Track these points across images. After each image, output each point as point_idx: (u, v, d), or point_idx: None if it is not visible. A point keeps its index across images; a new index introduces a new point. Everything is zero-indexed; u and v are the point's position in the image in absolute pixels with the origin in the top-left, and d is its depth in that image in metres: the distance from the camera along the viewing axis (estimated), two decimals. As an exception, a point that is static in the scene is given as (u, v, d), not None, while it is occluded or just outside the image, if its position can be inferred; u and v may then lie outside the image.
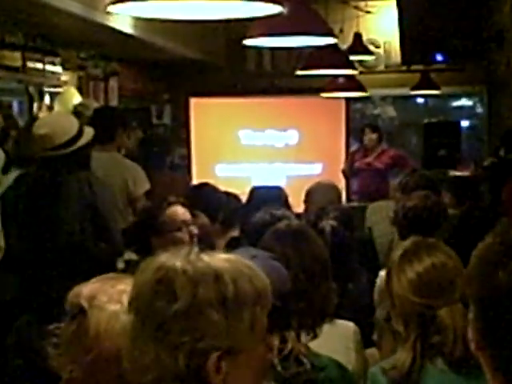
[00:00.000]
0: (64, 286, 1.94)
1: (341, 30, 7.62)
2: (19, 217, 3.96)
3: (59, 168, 3.92)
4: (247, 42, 3.46)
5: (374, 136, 8.28)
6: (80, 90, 6.82)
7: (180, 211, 3.37)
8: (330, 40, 3.44)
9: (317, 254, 2.40)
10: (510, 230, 1.30)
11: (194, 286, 1.41)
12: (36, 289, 3.68)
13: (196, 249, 1.50)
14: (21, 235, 3.95)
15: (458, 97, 10.57)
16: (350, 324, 2.75)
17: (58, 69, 6.46)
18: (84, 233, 3.92)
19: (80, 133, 3.99)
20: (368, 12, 8.93)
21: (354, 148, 8.78)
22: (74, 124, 4.01)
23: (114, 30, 5.81)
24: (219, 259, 1.48)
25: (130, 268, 3.07)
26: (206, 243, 3.35)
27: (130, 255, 3.56)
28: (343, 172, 8.51)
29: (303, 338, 2.14)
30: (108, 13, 5.57)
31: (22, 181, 4.11)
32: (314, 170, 8.80)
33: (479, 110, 10.32)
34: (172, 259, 1.46)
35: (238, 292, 1.43)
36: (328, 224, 3.39)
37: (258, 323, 1.45)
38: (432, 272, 2.14)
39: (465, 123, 10.32)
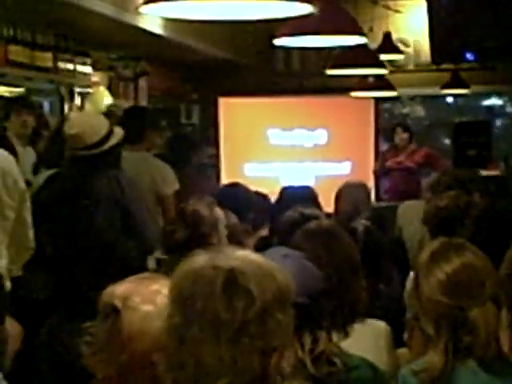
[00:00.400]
0: (95, 285, 1.96)
1: (370, 30, 7.59)
2: (51, 216, 3.99)
3: (89, 168, 3.95)
4: (276, 41, 3.46)
5: (405, 135, 8.26)
6: (110, 90, 6.87)
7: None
8: (360, 39, 3.43)
9: (348, 253, 2.40)
10: None
11: (264, 286, 1.41)
12: (68, 287, 3.71)
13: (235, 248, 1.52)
14: (53, 235, 3.99)
15: (488, 96, 10.49)
16: (382, 323, 2.74)
17: (89, 69, 6.50)
18: (114, 231, 3.94)
19: (110, 133, 4.02)
20: (397, 11, 8.88)
21: (384, 148, 8.77)
22: (104, 124, 4.04)
23: (143, 30, 5.84)
24: (259, 257, 1.49)
25: (162, 267, 3.09)
26: (235, 243, 3.36)
27: (159, 254, 3.58)
28: (374, 172, 8.49)
29: (334, 337, 2.14)
30: (138, 13, 5.61)
31: (54, 181, 4.15)
32: (342, 170, 8.77)
33: (509, 109, 10.24)
34: (228, 259, 1.44)
35: (287, 289, 1.45)
36: (360, 224, 3.38)
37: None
38: (461, 272, 2.12)
39: (496, 122, 10.24)
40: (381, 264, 3.39)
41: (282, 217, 3.47)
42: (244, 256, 1.47)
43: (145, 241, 4.00)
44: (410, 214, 5.10)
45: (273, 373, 1.40)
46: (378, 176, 8.54)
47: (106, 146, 3.94)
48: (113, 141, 3.99)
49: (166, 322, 1.46)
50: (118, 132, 4.09)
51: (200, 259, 1.46)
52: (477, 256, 2.18)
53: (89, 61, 6.50)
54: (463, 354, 2.07)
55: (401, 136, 8.26)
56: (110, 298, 1.84)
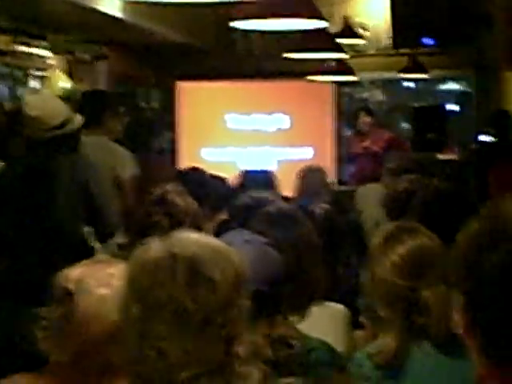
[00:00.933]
0: (52, 270, 1.93)
1: (330, 14, 7.59)
2: (12, 200, 3.93)
3: (52, 150, 3.89)
4: (235, 24, 3.44)
5: (369, 119, 8.30)
6: (69, 73, 6.78)
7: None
8: (320, 23, 3.42)
9: (307, 237, 2.39)
10: (499, 213, 1.29)
11: (224, 274, 1.38)
12: (24, 273, 3.67)
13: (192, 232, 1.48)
14: (14, 219, 3.92)
15: (446, 80, 10.57)
16: (340, 306, 2.76)
17: (46, 52, 6.41)
18: (76, 214, 3.91)
19: (70, 116, 3.98)
20: (357, -5, 8.91)
21: (345, 132, 8.80)
22: (63, 107, 4.00)
23: (102, 13, 5.77)
24: (216, 240, 1.47)
25: (124, 252, 3.06)
26: (195, 228, 3.34)
27: (120, 239, 3.55)
28: (339, 157, 8.54)
29: (292, 319, 2.14)
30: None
31: (14, 165, 4.08)
32: (305, 155, 8.79)
33: (467, 93, 10.33)
34: (184, 247, 1.39)
35: (244, 273, 1.43)
36: (319, 207, 3.39)
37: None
38: (414, 253, 2.14)
39: (453, 107, 10.32)
40: (340, 247, 3.41)
41: (236, 201, 3.45)
42: (201, 241, 1.43)
43: (107, 225, 3.96)
44: (369, 197, 5.13)
45: (234, 360, 1.39)
46: (341, 160, 8.59)
47: (68, 129, 3.89)
48: (74, 124, 3.95)
49: (122, 313, 1.41)
50: (78, 116, 4.05)
51: (157, 247, 1.41)
52: (430, 238, 2.19)
53: (46, 44, 6.41)
54: (417, 335, 2.08)
55: (364, 120, 8.30)
56: (64, 282, 1.82)
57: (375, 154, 8.05)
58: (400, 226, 2.25)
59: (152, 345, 1.36)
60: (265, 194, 3.40)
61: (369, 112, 8.44)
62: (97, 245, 3.84)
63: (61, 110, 3.94)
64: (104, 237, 3.93)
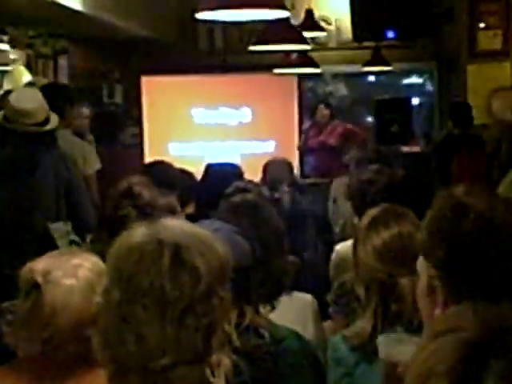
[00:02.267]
0: (18, 263, 1.91)
1: (292, 7, 7.60)
2: None
3: (37, 144, 3.87)
4: (199, 15, 3.41)
5: (327, 112, 8.33)
6: (29, 68, 6.70)
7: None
8: (283, 13, 3.41)
9: (273, 226, 2.39)
10: (454, 193, 1.54)
11: (208, 262, 1.37)
12: None
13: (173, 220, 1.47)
14: None
15: (408, 74, 10.65)
16: (308, 296, 2.76)
17: (6, 47, 6.33)
18: (60, 211, 3.89)
19: (49, 112, 3.98)
20: (319, -11, 8.92)
21: (306, 126, 8.82)
22: (44, 101, 3.99)
23: (62, 6, 5.70)
24: (203, 229, 1.45)
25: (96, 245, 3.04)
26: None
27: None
28: (298, 149, 8.55)
29: (261, 310, 2.14)
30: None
31: None
32: (267, 148, 8.80)
33: (429, 86, 10.41)
34: (168, 234, 1.37)
35: (227, 263, 1.43)
36: (286, 193, 3.39)
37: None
38: (397, 240, 2.14)
39: (415, 100, 10.40)
40: (306, 233, 3.42)
41: (217, 192, 3.41)
42: (186, 229, 1.43)
43: (85, 219, 3.95)
44: (339, 190, 5.16)
45: (215, 349, 1.38)
46: (301, 153, 8.61)
47: (53, 124, 3.88)
48: (54, 119, 3.94)
49: (102, 296, 1.40)
50: (53, 113, 4.04)
51: (141, 233, 1.40)
52: (416, 226, 2.19)
53: (6, 38, 6.33)
54: (390, 321, 2.09)
55: (322, 113, 8.34)
56: (31, 274, 1.80)
57: (331, 147, 8.09)
58: (388, 209, 2.23)
59: (132, 329, 1.35)
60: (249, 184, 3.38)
61: (327, 105, 8.49)
62: (77, 239, 3.81)
63: (45, 106, 3.93)
64: (82, 232, 3.91)
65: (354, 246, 2.21)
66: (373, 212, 2.23)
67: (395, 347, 1.75)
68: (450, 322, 0.91)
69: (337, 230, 4.72)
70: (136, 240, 1.39)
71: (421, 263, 1.56)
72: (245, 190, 3.09)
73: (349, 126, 8.50)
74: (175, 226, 1.43)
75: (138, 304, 1.35)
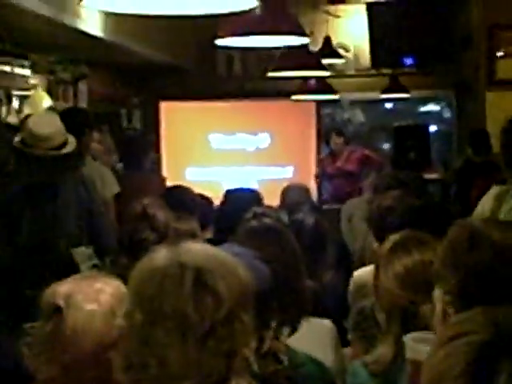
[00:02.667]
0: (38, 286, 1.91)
1: (311, 34, 7.64)
2: (12, 220, 3.90)
3: (57, 169, 3.89)
4: (218, 41, 3.44)
5: (340, 140, 8.38)
6: (49, 93, 6.76)
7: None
8: (303, 40, 3.44)
9: (292, 251, 2.39)
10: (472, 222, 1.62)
11: (230, 286, 1.37)
12: (15, 290, 3.64)
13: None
14: (15, 239, 3.89)
15: (426, 101, 10.65)
16: (327, 322, 2.74)
17: (27, 72, 6.39)
18: (82, 235, 3.91)
19: (67, 135, 4.00)
20: (338, 16, 8.96)
21: (322, 155, 8.87)
22: (62, 125, 4.02)
23: (83, 32, 5.76)
24: (227, 255, 1.45)
25: (117, 268, 3.05)
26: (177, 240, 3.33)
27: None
28: (316, 177, 8.58)
29: (280, 335, 2.13)
30: (77, 15, 5.54)
31: (10, 183, 4.05)
32: (285, 174, 8.81)
33: (447, 113, 10.41)
34: (190, 257, 1.38)
35: (249, 289, 1.43)
36: (310, 215, 3.37)
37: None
38: (419, 267, 2.12)
39: (434, 127, 10.40)
40: (327, 255, 3.40)
41: (236, 219, 3.40)
42: (208, 252, 1.42)
43: (107, 245, 3.96)
44: (352, 211, 5.14)
45: (235, 374, 1.37)
46: (319, 181, 8.63)
47: (70, 148, 3.91)
48: (72, 143, 3.97)
49: (125, 319, 1.40)
50: (71, 135, 4.07)
51: (163, 255, 1.40)
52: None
53: (27, 63, 6.39)
54: None
55: (335, 141, 8.40)
56: (53, 298, 1.80)
57: (349, 173, 8.12)
58: (410, 235, 2.22)
59: (154, 352, 1.34)
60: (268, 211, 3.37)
61: (339, 133, 8.55)
62: (98, 262, 3.83)
63: (62, 130, 3.96)
64: (103, 255, 3.93)
65: (376, 272, 2.20)
66: (394, 237, 2.22)
67: (420, 346, 1.73)
68: (461, 326, 0.92)
69: (352, 248, 4.71)
70: (158, 263, 1.39)
71: (436, 291, 1.56)
72: (263, 215, 3.08)
73: (366, 151, 8.52)
74: (197, 249, 1.43)
75: (159, 327, 1.35)
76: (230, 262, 1.43)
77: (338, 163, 8.32)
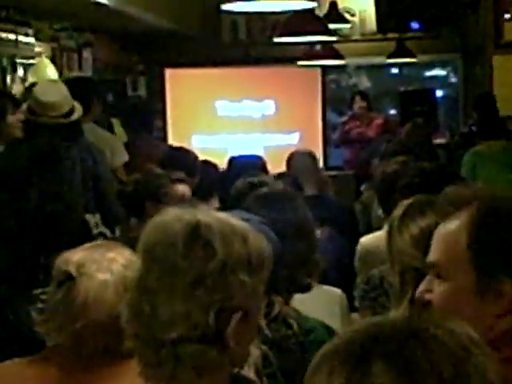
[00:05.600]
0: (53, 254, 1.91)
1: (316, -1, 7.56)
2: (16, 184, 3.90)
3: (63, 136, 3.88)
4: (225, 6, 3.42)
5: (364, 103, 8.33)
6: (53, 61, 6.73)
7: (180, 190, 3.46)
8: (309, 4, 3.40)
9: (303, 217, 2.38)
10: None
11: (229, 243, 1.39)
12: (23, 256, 3.64)
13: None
14: (16, 202, 3.89)
15: (432, 65, 10.57)
16: (337, 290, 2.75)
17: (31, 40, 6.35)
18: (88, 202, 3.92)
19: (74, 103, 3.99)
20: (343, -20, 8.87)
21: (344, 118, 8.81)
22: (69, 93, 4.01)
23: (87, -1, 5.73)
24: (237, 219, 1.47)
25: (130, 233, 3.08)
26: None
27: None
28: (337, 142, 8.54)
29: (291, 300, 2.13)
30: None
31: (17, 150, 4.04)
32: (291, 140, 8.79)
33: (454, 78, 10.34)
34: (198, 215, 1.42)
35: (260, 254, 1.43)
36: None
37: (264, 286, 1.46)
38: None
39: (440, 92, 10.34)
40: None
41: (232, 187, 3.44)
42: (216, 215, 1.45)
43: (114, 211, 3.97)
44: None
45: (231, 335, 1.38)
46: (338, 146, 8.60)
47: (76, 115, 3.90)
48: (78, 110, 3.96)
49: (134, 274, 1.44)
50: (77, 103, 4.05)
51: (170, 213, 1.44)
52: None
53: (31, 31, 6.35)
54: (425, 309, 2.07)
55: (360, 104, 8.34)
56: (65, 265, 1.81)
57: (370, 139, 8.07)
58: (422, 199, 2.22)
59: (148, 300, 1.37)
60: (257, 178, 3.39)
61: (364, 96, 8.49)
62: (107, 231, 3.84)
63: (69, 98, 3.94)
64: (112, 223, 3.93)
65: (388, 236, 2.19)
66: (408, 202, 2.22)
67: None
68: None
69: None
70: (162, 218, 1.44)
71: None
72: (259, 185, 3.09)
73: (387, 118, 8.49)
74: (210, 212, 1.46)
75: (152, 274, 1.38)
76: (239, 226, 1.44)
77: (361, 128, 8.29)
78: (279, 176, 3.95)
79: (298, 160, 4.61)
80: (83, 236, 3.19)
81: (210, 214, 1.45)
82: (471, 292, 1.41)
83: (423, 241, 2.09)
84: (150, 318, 1.37)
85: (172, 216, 1.43)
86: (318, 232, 3.31)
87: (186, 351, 1.36)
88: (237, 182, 3.47)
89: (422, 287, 1.51)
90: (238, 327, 1.39)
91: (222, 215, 1.48)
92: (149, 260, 1.40)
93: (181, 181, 3.57)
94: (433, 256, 1.52)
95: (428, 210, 2.14)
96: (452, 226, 1.48)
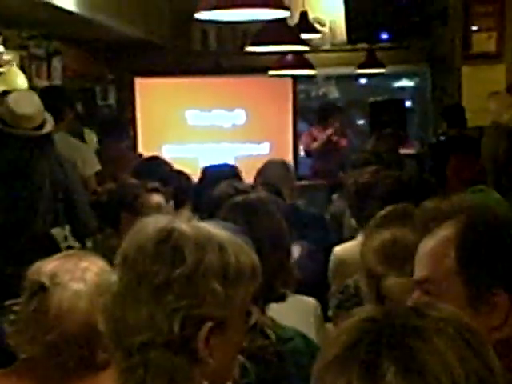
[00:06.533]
0: (20, 263, 1.88)
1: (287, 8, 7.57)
2: None
3: (34, 148, 3.82)
4: (197, 15, 3.39)
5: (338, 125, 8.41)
6: (23, 69, 6.65)
7: (156, 199, 3.44)
8: (283, 13, 3.39)
9: (278, 226, 2.36)
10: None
11: (201, 251, 1.37)
12: None
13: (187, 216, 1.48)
14: None
15: (401, 76, 10.65)
16: (311, 299, 2.74)
17: (0, 48, 6.28)
18: (58, 215, 3.86)
19: (46, 115, 3.93)
20: (313, -10, 8.90)
21: (302, 128, 8.86)
22: (42, 105, 3.94)
23: (56, 7, 5.67)
24: (218, 229, 1.45)
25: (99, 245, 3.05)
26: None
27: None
28: (296, 153, 8.58)
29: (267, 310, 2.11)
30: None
31: None
32: (261, 150, 8.79)
33: (422, 88, 10.42)
34: (174, 222, 1.40)
35: (239, 265, 1.41)
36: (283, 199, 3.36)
37: (247, 298, 1.44)
38: (391, 242, 2.13)
39: (409, 102, 10.41)
40: (303, 239, 3.40)
41: (210, 193, 3.41)
42: (197, 223, 1.44)
43: (85, 223, 3.92)
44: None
45: (201, 345, 1.35)
46: (297, 157, 8.65)
47: (49, 127, 3.84)
48: (51, 122, 3.90)
49: (109, 282, 1.43)
50: (49, 116, 4.00)
51: (149, 220, 1.43)
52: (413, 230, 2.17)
53: (0, 39, 6.27)
54: None
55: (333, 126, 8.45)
56: (37, 275, 1.77)
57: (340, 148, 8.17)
58: (395, 210, 2.22)
59: (118, 304, 1.37)
60: (243, 185, 3.37)
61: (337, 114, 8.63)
62: (76, 244, 3.79)
63: (42, 110, 3.88)
64: (82, 236, 3.89)
65: (362, 244, 2.20)
66: (380, 213, 2.23)
67: None
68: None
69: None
70: (140, 226, 1.43)
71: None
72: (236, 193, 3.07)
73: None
74: (190, 221, 1.43)
75: (124, 279, 1.37)
76: (218, 236, 1.43)
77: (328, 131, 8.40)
78: (256, 185, 3.92)
79: (272, 169, 4.60)
80: (48, 249, 3.15)
81: (189, 223, 1.42)
82: (465, 306, 1.38)
83: (381, 254, 2.11)
84: (119, 322, 1.36)
85: (148, 223, 1.42)
86: (296, 249, 3.33)
87: (153, 357, 1.34)
88: (219, 186, 3.45)
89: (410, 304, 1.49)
90: (212, 338, 1.36)
91: (203, 225, 1.45)
92: (122, 265, 1.39)
93: (156, 190, 3.54)
94: (420, 273, 1.49)
95: (395, 222, 2.15)
96: (437, 241, 1.46)
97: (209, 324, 1.35)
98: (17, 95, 4.11)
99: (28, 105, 3.85)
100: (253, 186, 3.70)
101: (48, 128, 3.85)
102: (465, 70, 8.05)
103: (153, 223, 1.41)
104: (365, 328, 0.91)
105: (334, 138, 8.32)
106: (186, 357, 1.35)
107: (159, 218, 1.43)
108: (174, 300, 1.34)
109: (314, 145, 8.53)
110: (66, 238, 3.88)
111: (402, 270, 2.10)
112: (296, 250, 3.44)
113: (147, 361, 1.34)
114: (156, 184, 3.52)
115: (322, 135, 8.44)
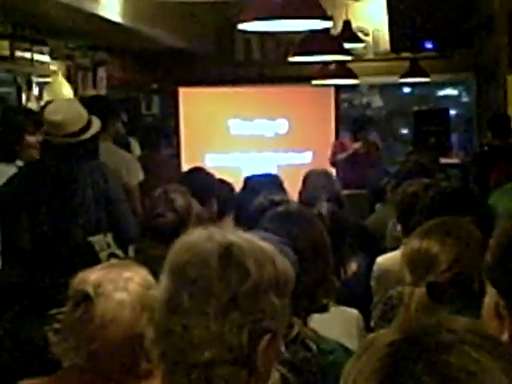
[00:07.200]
0: (65, 273, 1.90)
1: (331, 18, 7.57)
2: (30, 207, 3.88)
3: (72, 155, 3.85)
4: (240, 26, 3.41)
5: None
6: (68, 79, 6.76)
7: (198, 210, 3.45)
8: (326, 24, 3.40)
9: (319, 236, 2.35)
10: None
11: (261, 266, 1.38)
12: (36, 277, 3.63)
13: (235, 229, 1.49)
14: (33, 226, 3.87)
15: (444, 85, 10.56)
16: (354, 311, 2.72)
17: (47, 58, 6.38)
18: (100, 223, 3.89)
19: (89, 121, 3.94)
20: (357, 0, 8.89)
21: (345, 137, 8.81)
22: (84, 111, 3.96)
23: (101, 18, 5.75)
24: (263, 240, 1.47)
25: (140, 255, 3.06)
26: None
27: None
28: (330, 162, 8.54)
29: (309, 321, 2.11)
30: (96, 1, 5.52)
31: (31, 170, 4.03)
32: (304, 159, 8.78)
33: (467, 98, 10.32)
34: (228, 235, 1.41)
35: (286, 276, 1.43)
36: (325, 207, 3.35)
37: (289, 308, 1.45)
38: (415, 253, 2.14)
39: (453, 111, 10.32)
40: (343, 249, 3.38)
41: (251, 204, 3.42)
42: (244, 236, 1.45)
43: (127, 231, 3.95)
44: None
45: (260, 356, 1.36)
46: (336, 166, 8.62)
47: (88, 134, 3.86)
48: (93, 129, 3.92)
49: (159, 293, 1.41)
50: (96, 121, 4.02)
51: (196, 233, 1.43)
52: (441, 242, 2.16)
53: (46, 49, 6.38)
54: None
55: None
56: (82, 285, 1.79)
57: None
58: (446, 221, 2.22)
59: (179, 321, 1.35)
60: (278, 196, 3.37)
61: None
62: (118, 251, 3.82)
63: (82, 115, 3.90)
64: (124, 243, 3.91)
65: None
66: (423, 226, 2.22)
67: None
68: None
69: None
70: (190, 238, 1.42)
71: (489, 287, 1.51)
72: (280, 204, 3.06)
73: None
74: (237, 232, 1.44)
75: (183, 294, 1.36)
76: (266, 248, 1.44)
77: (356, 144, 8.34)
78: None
79: (314, 180, 4.59)
80: (87, 258, 3.17)
81: (238, 235, 1.43)
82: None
83: (407, 262, 2.11)
84: (181, 338, 1.35)
85: (200, 236, 1.41)
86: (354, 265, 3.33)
87: (218, 373, 1.34)
88: (256, 199, 3.45)
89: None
90: (267, 349, 1.37)
91: (249, 236, 1.46)
92: (179, 280, 1.38)
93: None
94: None
95: (439, 235, 2.14)
96: None
97: (268, 336, 1.37)
98: (55, 103, 4.16)
99: (63, 111, 3.88)
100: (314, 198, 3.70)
101: (88, 134, 3.87)
102: (510, 79, 7.95)
103: (205, 236, 1.41)
104: (396, 353, 0.89)
105: (361, 151, 8.23)
106: (247, 370, 1.36)
107: (208, 231, 1.43)
108: (240, 315, 1.35)
109: (340, 156, 8.49)
110: (108, 246, 3.91)
111: (422, 279, 2.09)
112: (354, 264, 3.44)
113: (211, 377, 1.34)
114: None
115: (350, 147, 8.40)
